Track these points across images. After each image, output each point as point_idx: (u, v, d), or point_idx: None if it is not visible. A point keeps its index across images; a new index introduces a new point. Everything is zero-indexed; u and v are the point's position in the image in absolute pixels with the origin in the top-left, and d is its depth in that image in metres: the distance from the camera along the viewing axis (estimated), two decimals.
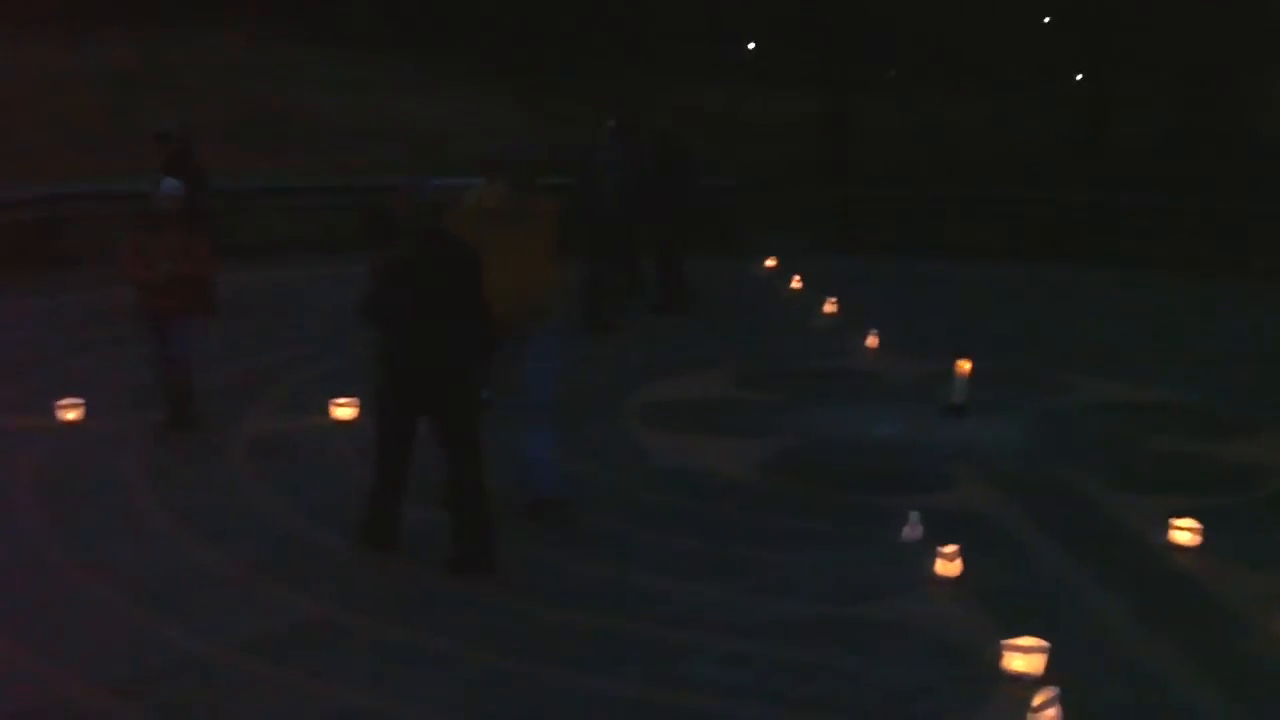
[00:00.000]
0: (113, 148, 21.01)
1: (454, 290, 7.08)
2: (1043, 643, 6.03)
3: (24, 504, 8.18)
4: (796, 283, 16.03)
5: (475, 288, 7.12)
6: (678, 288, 14.58)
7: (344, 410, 9.89)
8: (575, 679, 6.00)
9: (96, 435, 9.55)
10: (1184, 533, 7.71)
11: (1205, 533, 7.69)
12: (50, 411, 9.83)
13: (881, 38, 28.33)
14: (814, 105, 26.30)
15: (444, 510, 7.34)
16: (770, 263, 17.62)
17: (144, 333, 9.75)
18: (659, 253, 14.66)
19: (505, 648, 6.31)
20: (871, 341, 12.84)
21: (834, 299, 14.59)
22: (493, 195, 7.80)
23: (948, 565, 7.16)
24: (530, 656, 6.22)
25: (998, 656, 6.06)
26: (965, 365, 10.43)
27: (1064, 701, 5.57)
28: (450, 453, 7.25)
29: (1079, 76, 30.48)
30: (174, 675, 5.97)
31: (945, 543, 7.28)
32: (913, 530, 7.70)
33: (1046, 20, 33.23)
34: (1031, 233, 20.06)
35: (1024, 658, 6.00)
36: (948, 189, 21.61)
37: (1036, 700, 5.55)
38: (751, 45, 33.36)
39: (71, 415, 9.84)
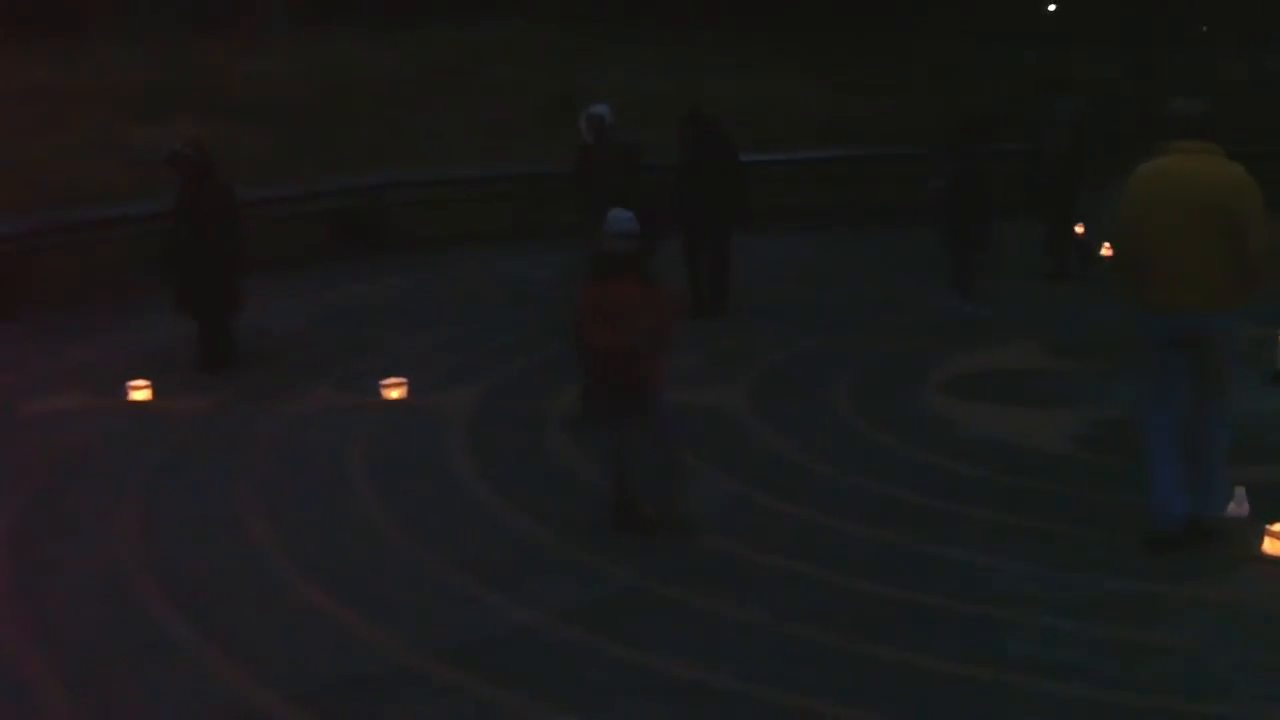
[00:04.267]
0: (425, 138, 21.84)
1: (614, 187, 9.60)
2: None
3: (355, 477, 8.62)
4: (1107, 250, 15.38)
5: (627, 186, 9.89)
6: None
7: None
8: (889, 653, 5.97)
9: (419, 412, 9.98)
10: None
11: None
12: (375, 390, 10.32)
13: None
14: (1115, 62, 25.26)
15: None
16: (1079, 229, 16.98)
17: (599, 415, 7.75)
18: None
19: (819, 620, 6.32)
20: None
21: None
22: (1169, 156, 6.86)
23: (1277, 543, 6.81)
24: (844, 629, 6.22)
25: None
26: None
27: None
28: None
29: None
30: (501, 643, 6.21)
31: (1275, 519, 6.93)
32: (1239, 507, 7.35)
33: None
34: None
35: None
36: (1272, 144, 20.38)
37: None
38: (1052, 7, 32.22)
39: (395, 394, 10.31)
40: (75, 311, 13.51)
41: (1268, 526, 6.89)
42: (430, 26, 29.22)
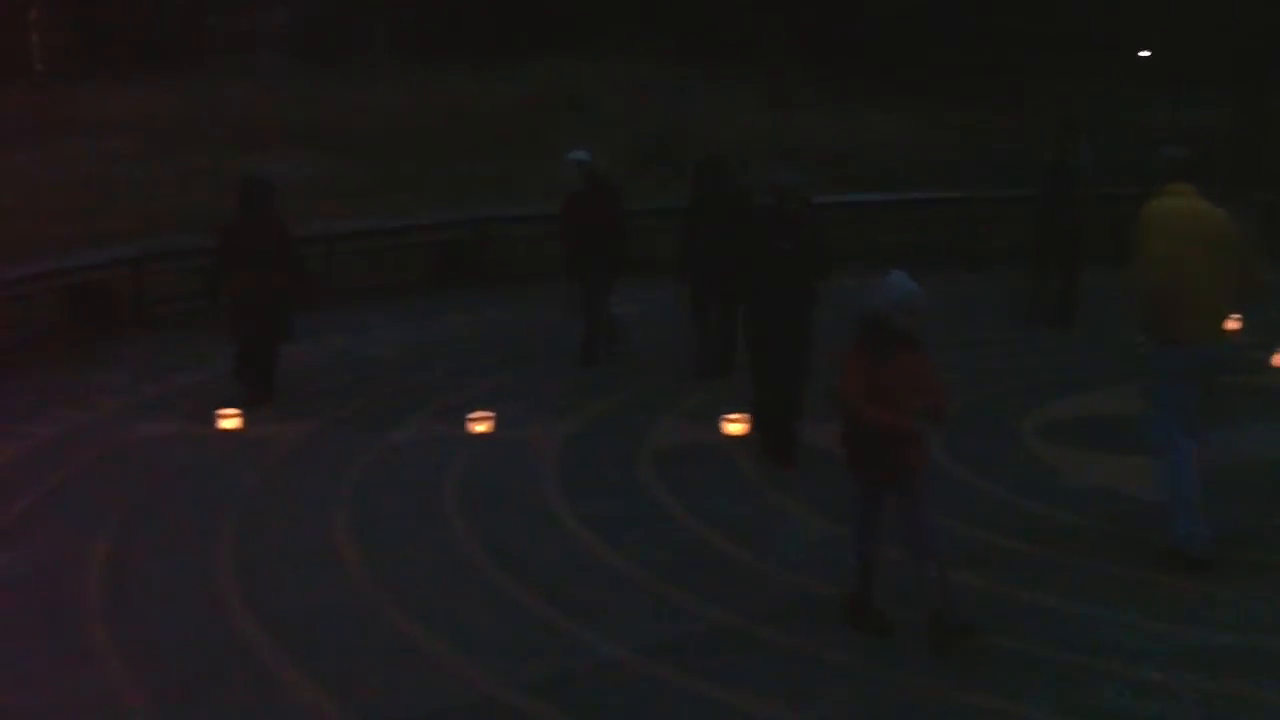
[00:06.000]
0: (530, 172, 22.04)
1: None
2: None
3: (447, 509, 8.67)
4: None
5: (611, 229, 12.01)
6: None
7: (735, 426, 10.08)
8: (980, 699, 5.92)
9: (513, 445, 10.02)
10: None
11: None
12: (462, 423, 10.37)
13: None
14: (1220, 109, 24.88)
15: None
16: None
17: (861, 498, 6.75)
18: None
19: (908, 664, 6.28)
20: (1278, 359, 11.97)
21: (1236, 314, 13.38)
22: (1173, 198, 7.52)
23: None
24: (934, 674, 6.17)
25: None
26: None
27: None
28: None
29: None
30: (588, 678, 6.22)
31: None
32: None
33: None
34: None
35: None
36: None
37: None
38: (1146, 53, 31.82)
39: (481, 427, 10.34)
40: (182, 337, 13.77)
41: None
42: (538, 61, 29.54)
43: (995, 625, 6.66)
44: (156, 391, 11.79)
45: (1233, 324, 12.25)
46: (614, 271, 12.44)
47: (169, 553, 7.94)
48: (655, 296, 13.33)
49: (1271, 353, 11.99)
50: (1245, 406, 10.61)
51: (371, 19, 33.77)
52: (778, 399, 9.57)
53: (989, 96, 27.20)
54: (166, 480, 9.38)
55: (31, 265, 14.08)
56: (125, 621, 6.96)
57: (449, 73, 28.79)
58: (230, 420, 10.50)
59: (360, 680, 6.24)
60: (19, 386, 11.93)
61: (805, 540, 7.96)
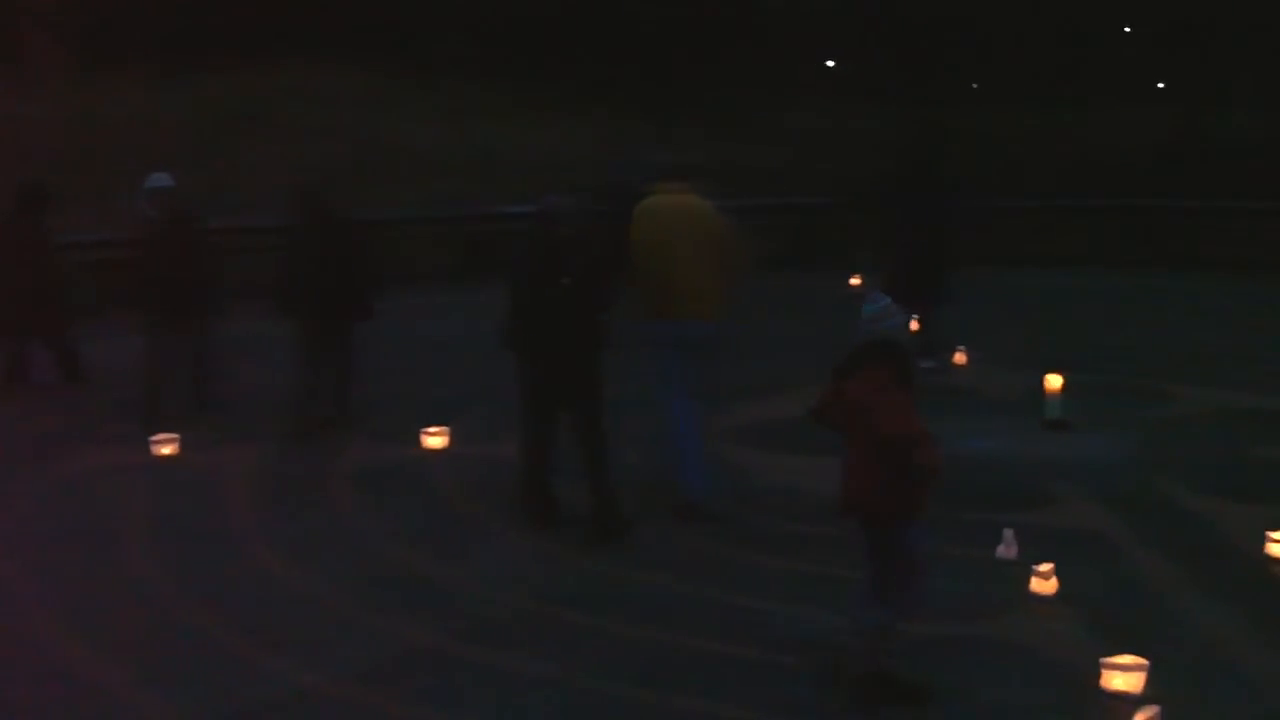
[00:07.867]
0: (204, 187, 21.34)
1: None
2: (1142, 660, 5.99)
3: (125, 540, 8.32)
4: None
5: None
6: None
7: (434, 440, 10.03)
8: (682, 703, 6.04)
9: (196, 470, 9.72)
10: None
11: None
12: (148, 447, 10.00)
13: (964, 51, 28.32)
14: (886, 119, 26.19)
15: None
16: (854, 280, 17.40)
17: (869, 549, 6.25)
18: None
19: (610, 671, 6.36)
20: (959, 357, 12.70)
21: (915, 316, 14.09)
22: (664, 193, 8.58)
23: (1043, 583, 7.15)
24: (636, 679, 6.27)
25: (1097, 675, 6.03)
26: (1055, 381, 10.36)
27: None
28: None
29: (1160, 84, 30.25)
30: (285, 707, 6.08)
31: (1044, 559, 7.27)
32: (1007, 549, 7.69)
33: (1127, 30, 33.00)
34: (1115, 241, 19.77)
35: (1123, 676, 5.96)
36: (1028, 199, 21.33)
37: (1138, 719, 5.52)
38: (831, 63, 33.35)
39: (167, 450, 10.02)
40: None
41: (1034, 567, 7.21)
42: (217, 72, 28.66)
43: (695, 627, 6.81)
44: None
45: (914, 325, 12.99)
46: (211, 312, 11.42)
47: None
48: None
49: (953, 351, 12.67)
50: (935, 403, 11.13)
51: (35, 26, 32.13)
52: (546, 463, 8.54)
53: (714, 113, 27.86)
54: None
55: None
56: None
57: (117, 83, 27.65)
58: None
59: None
60: None
61: (504, 555, 7.98)
